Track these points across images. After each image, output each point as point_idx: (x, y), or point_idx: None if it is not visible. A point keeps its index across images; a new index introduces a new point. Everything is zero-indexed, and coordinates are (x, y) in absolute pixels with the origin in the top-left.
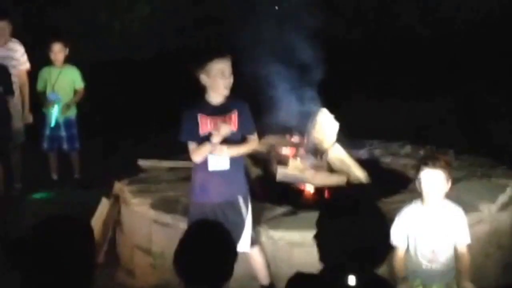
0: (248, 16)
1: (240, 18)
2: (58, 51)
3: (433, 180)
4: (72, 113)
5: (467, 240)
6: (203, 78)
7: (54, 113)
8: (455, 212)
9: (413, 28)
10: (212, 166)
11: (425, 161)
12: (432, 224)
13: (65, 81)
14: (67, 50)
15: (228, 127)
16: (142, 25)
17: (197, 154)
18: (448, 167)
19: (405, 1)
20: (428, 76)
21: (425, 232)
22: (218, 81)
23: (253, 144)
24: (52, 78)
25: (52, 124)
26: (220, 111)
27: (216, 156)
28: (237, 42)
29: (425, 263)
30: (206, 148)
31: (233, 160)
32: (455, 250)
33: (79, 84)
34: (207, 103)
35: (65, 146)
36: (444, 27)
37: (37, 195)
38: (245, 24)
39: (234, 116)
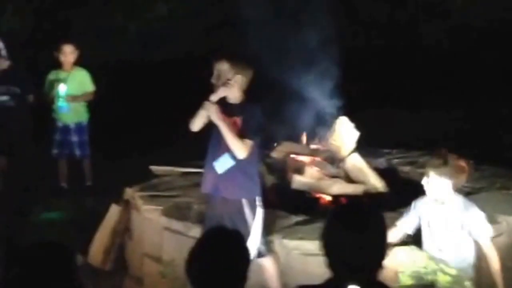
0: (268, 21)
1: (259, 22)
2: (69, 53)
3: (432, 181)
4: (84, 118)
5: (485, 235)
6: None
7: (61, 90)
8: (467, 208)
9: (433, 39)
10: (220, 168)
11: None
12: (441, 218)
13: (74, 85)
14: (77, 52)
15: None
16: (160, 26)
17: (193, 120)
18: (445, 164)
19: (423, 11)
20: (451, 85)
21: (434, 226)
22: (216, 82)
23: (241, 144)
24: (62, 82)
25: (60, 102)
26: (231, 112)
27: (220, 159)
28: (255, 47)
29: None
30: (200, 111)
31: (236, 163)
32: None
33: (89, 88)
34: (225, 101)
35: (76, 152)
36: (461, 37)
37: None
38: (264, 29)
39: (240, 120)
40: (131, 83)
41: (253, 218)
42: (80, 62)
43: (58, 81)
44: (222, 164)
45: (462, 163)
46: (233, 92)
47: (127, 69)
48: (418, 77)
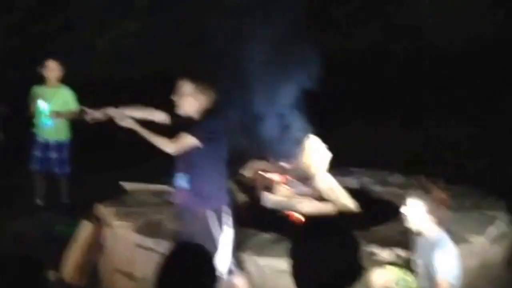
0: (238, 38)
1: (229, 40)
2: (52, 68)
3: (410, 210)
4: (65, 136)
5: (442, 275)
6: None
7: (42, 107)
8: (435, 245)
9: (409, 53)
10: (180, 182)
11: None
12: (416, 249)
13: (58, 103)
14: (62, 69)
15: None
16: (129, 43)
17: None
18: (428, 198)
19: (402, 25)
20: (421, 103)
21: (416, 260)
22: (177, 100)
23: (166, 140)
24: (46, 99)
25: (42, 119)
26: (191, 127)
27: (181, 176)
28: (224, 61)
29: None
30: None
31: (196, 174)
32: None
33: (73, 106)
34: (189, 119)
35: (55, 169)
36: (439, 56)
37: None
38: (235, 46)
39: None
40: (102, 100)
41: (221, 235)
42: (65, 80)
43: (40, 97)
44: (182, 181)
45: (443, 194)
46: (194, 110)
47: (97, 86)
48: (385, 92)
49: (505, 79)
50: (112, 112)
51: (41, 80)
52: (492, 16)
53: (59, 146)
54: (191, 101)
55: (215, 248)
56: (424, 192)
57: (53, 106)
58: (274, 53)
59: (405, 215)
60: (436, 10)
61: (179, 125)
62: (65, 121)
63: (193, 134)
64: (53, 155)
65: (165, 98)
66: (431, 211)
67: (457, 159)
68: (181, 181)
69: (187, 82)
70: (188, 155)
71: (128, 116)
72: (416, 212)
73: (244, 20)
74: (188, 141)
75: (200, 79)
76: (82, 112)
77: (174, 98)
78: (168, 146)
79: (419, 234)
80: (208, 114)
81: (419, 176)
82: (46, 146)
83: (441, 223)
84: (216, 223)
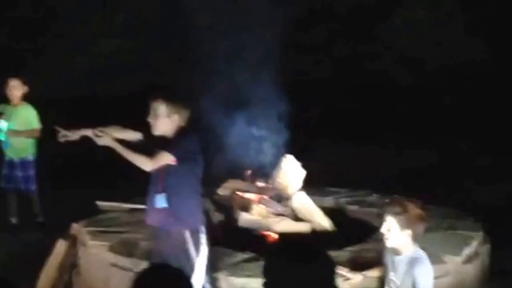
0: (215, 55)
1: (207, 58)
2: (13, 87)
3: (386, 225)
4: (29, 153)
5: None
6: None
7: (2, 125)
8: (413, 263)
9: (390, 73)
10: (158, 203)
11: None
12: (395, 269)
13: (18, 121)
14: (26, 87)
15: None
16: (108, 60)
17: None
18: (405, 213)
19: (385, 47)
20: (401, 124)
21: (390, 276)
22: (152, 120)
23: (144, 158)
24: (7, 118)
25: (1, 137)
26: (166, 146)
27: (159, 195)
28: (202, 82)
29: None
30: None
31: (172, 193)
32: None
33: (35, 125)
34: (162, 137)
35: (22, 187)
36: (424, 76)
37: None
38: (211, 64)
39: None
40: (81, 117)
41: (197, 255)
42: (29, 98)
43: (3, 115)
44: (159, 201)
45: (421, 211)
46: (169, 130)
47: (77, 103)
48: (367, 112)
49: (483, 105)
50: (88, 132)
51: (5, 98)
52: (469, 44)
53: (23, 163)
54: (166, 121)
55: (191, 268)
56: (401, 209)
57: (13, 124)
58: (254, 73)
59: (384, 234)
60: (416, 35)
61: (155, 145)
62: (28, 139)
63: (171, 152)
64: (19, 173)
65: (145, 116)
66: (409, 228)
67: (434, 180)
68: (158, 200)
69: (161, 102)
70: (164, 174)
71: (105, 134)
72: (394, 230)
73: (222, 38)
74: (166, 158)
75: (173, 98)
76: (57, 131)
77: (149, 119)
78: (146, 163)
79: (397, 252)
80: (184, 132)
81: (394, 196)
82: (12, 165)
83: (416, 238)
84: (193, 243)
